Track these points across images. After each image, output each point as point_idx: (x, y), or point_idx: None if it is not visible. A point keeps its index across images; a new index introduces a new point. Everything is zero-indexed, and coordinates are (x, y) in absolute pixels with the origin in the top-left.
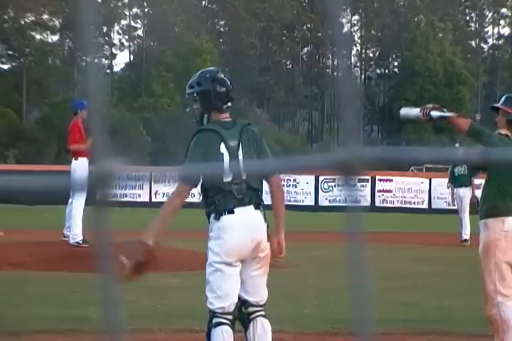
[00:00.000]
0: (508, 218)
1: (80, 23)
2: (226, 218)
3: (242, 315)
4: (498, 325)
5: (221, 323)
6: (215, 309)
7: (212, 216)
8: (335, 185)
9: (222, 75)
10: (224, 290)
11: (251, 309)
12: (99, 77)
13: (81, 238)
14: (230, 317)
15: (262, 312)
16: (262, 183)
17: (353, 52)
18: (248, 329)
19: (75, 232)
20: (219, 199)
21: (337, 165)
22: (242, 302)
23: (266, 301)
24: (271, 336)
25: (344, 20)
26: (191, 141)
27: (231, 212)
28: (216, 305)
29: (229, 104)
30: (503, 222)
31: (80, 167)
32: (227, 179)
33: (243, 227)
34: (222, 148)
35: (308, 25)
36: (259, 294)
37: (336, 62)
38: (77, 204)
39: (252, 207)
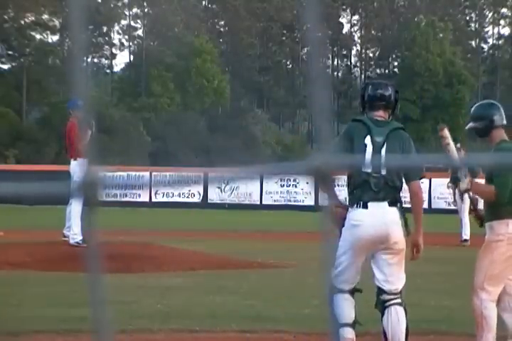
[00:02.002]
0: (509, 220)
1: (70, 23)
2: (359, 212)
3: (379, 302)
4: (479, 318)
5: (341, 291)
6: (334, 286)
7: (349, 205)
8: (334, 185)
9: (384, 82)
10: (344, 276)
11: (386, 297)
12: (85, 77)
13: (81, 238)
14: (347, 291)
15: (397, 300)
16: (402, 182)
17: (353, 52)
18: (383, 316)
19: (75, 232)
20: (357, 191)
21: (311, 171)
22: (378, 290)
23: (401, 289)
24: (405, 324)
25: (344, 20)
26: (348, 126)
27: (365, 206)
28: (335, 284)
29: (383, 103)
30: (508, 225)
31: (79, 168)
32: (367, 170)
33: (373, 223)
34: (367, 140)
35: (308, 25)
36: (393, 282)
37: (335, 63)
38: (76, 205)
39: (385, 203)
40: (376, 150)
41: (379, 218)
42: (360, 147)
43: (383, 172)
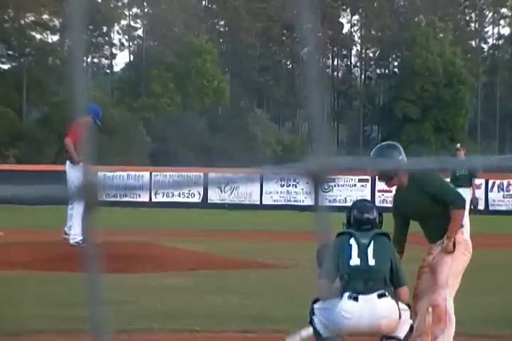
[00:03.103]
0: (462, 229)
1: (68, 23)
2: (350, 304)
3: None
4: (443, 314)
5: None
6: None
7: (340, 293)
8: (335, 185)
9: (370, 205)
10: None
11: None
12: (84, 77)
13: (81, 238)
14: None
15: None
16: (389, 266)
17: (353, 52)
18: None
19: (76, 232)
20: (346, 281)
21: (308, 174)
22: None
23: (400, 336)
24: None
25: (344, 20)
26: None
27: (355, 299)
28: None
29: (369, 226)
30: (462, 233)
31: (75, 170)
32: (355, 263)
33: (363, 318)
34: (352, 241)
35: (309, 25)
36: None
37: (335, 63)
38: (77, 206)
39: (375, 295)
40: (362, 249)
41: (370, 312)
42: (344, 248)
43: (371, 263)
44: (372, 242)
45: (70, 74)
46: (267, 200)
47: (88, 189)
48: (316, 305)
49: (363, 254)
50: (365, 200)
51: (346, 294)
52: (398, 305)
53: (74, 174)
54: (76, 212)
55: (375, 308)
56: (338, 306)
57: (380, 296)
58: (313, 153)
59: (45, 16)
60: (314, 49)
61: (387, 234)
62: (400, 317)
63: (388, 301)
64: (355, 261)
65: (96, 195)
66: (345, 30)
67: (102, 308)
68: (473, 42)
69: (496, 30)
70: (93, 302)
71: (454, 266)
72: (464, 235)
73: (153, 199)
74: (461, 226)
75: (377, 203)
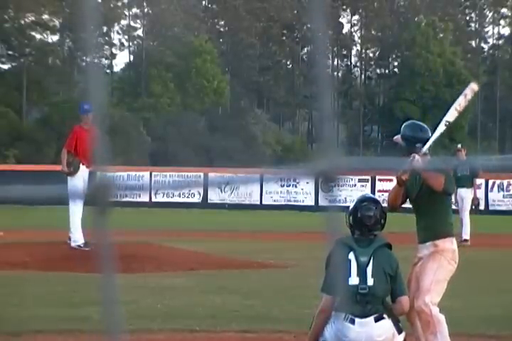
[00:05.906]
0: (452, 238)
1: (82, 24)
2: (347, 327)
3: None
4: (429, 317)
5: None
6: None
7: (336, 313)
8: (335, 185)
9: (372, 207)
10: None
11: None
12: (100, 77)
13: (82, 241)
14: None
15: None
16: (387, 291)
17: (353, 52)
18: None
19: (76, 237)
20: (345, 300)
21: (317, 174)
22: None
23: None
24: None
25: (344, 20)
26: (330, 253)
27: (352, 321)
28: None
29: (371, 233)
30: (452, 242)
31: (77, 174)
32: (354, 282)
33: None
34: (351, 255)
35: (308, 25)
36: None
37: (335, 63)
38: (75, 210)
39: (372, 319)
40: (361, 268)
41: (366, 335)
42: (344, 262)
43: (370, 282)
44: (371, 259)
45: (85, 81)
46: (267, 200)
47: (101, 190)
48: None
49: (362, 273)
50: (371, 200)
51: (343, 315)
52: (395, 326)
53: (76, 181)
54: (73, 216)
55: (371, 332)
56: (335, 324)
57: (376, 319)
58: (323, 154)
59: (45, 16)
60: (324, 50)
61: (388, 245)
62: (394, 336)
63: (385, 324)
64: (354, 280)
65: (109, 196)
66: (345, 30)
67: (117, 308)
68: (473, 42)
69: (496, 30)
70: (106, 303)
71: (438, 273)
72: (453, 245)
73: (153, 199)
74: (451, 235)
75: None
